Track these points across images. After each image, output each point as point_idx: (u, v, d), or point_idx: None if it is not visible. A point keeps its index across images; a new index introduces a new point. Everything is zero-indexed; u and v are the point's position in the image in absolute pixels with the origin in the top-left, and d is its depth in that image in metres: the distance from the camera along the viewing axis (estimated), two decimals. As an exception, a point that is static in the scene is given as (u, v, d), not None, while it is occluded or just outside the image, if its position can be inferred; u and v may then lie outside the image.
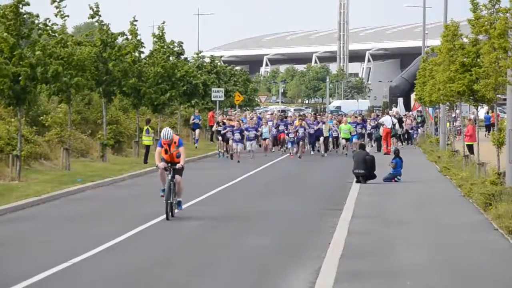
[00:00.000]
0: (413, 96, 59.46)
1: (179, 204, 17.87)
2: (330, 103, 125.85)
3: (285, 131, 39.92)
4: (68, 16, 29.35)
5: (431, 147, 40.58)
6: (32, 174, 26.21)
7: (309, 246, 14.67)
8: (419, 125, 50.05)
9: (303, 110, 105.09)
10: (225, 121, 38.81)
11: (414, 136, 47.67)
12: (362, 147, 27.88)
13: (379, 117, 44.51)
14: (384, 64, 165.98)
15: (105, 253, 13.86)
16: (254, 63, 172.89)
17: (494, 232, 15.45)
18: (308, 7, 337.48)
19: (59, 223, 17.59)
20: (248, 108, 64.95)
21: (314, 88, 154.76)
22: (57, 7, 29.07)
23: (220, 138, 38.09)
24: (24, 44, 25.80)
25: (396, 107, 64.79)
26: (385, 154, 37.85)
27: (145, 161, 32.55)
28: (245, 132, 36.73)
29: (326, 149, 40.33)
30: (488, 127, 53.13)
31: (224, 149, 37.92)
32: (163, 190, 17.60)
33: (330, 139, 41.62)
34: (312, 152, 40.29)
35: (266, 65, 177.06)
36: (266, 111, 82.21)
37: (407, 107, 66.02)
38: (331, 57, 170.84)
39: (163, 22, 40.59)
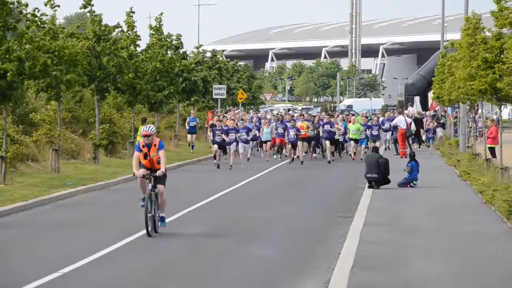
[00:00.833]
0: (430, 95, 59.42)
1: (162, 220, 16.50)
2: (340, 101, 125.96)
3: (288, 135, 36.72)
4: (58, 6, 29.42)
5: (450, 150, 40.52)
6: (19, 177, 26.22)
7: (317, 256, 14.65)
8: (438, 126, 49.40)
9: (311, 109, 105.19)
10: (215, 122, 35.49)
11: (431, 139, 46.27)
12: (375, 149, 27.77)
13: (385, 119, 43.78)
14: (400, 59, 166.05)
15: (94, 265, 13.82)
16: (259, 58, 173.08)
17: (518, 242, 15.42)
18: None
19: (46, 230, 17.57)
20: (252, 107, 64.98)
21: (324, 85, 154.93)
22: (47, -4, 29.11)
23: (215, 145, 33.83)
24: (11, 36, 25.76)
25: (412, 106, 64.76)
26: (401, 157, 37.72)
27: (141, 164, 32.51)
28: (235, 134, 33.87)
29: (337, 153, 39.16)
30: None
31: (217, 157, 33.83)
32: (144, 199, 16.35)
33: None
34: (314, 154, 39.30)
35: (272, 60, 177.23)
36: (271, 110, 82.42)
37: (424, 106, 65.95)
38: (342, 52, 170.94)
39: (161, 13, 40.67)
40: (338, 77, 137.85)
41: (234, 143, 33.97)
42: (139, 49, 37.30)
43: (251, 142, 37.89)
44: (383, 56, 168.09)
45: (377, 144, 34.94)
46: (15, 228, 18.03)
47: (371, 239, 15.62)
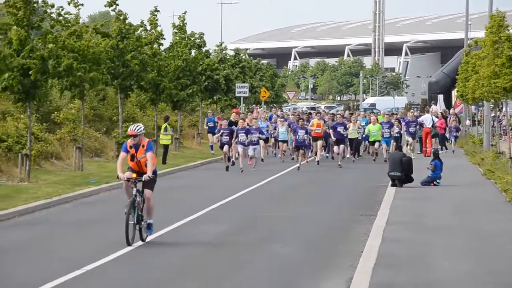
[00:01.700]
0: (454, 93, 59.13)
1: (149, 227, 15.17)
2: (363, 100, 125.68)
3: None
4: (82, 5, 29.55)
5: (474, 148, 40.30)
6: (43, 175, 26.36)
7: (340, 255, 14.62)
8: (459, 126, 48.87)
9: (334, 107, 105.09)
10: (222, 122, 34.01)
11: (452, 138, 45.18)
12: (399, 148, 27.70)
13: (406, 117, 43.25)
14: (423, 57, 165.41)
15: (116, 262, 13.85)
16: (282, 56, 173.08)
17: (543, 241, 15.29)
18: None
19: (69, 228, 17.64)
20: (275, 105, 64.99)
21: (347, 83, 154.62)
22: (70, -5, 29.28)
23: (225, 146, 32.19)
24: (34, 35, 25.90)
25: (436, 104, 64.46)
26: (425, 156, 37.45)
27: (164, 162, 32.64)
28: (246, 135, 31.23)
29: (356, 154, 37.36)
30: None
31: (231, 159, 32.83)
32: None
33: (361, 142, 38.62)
34: (326, 155, 37.71)
35: (295, 58, 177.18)
36: (295, 108, 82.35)
37: (448, 104, 65.63)
38: (365, 50, 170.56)
39: (185, 12, 40.78)
40: (361, 75, 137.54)
41: (242, 146, 31.32)
42: (162, 48, 37.42)
43: (262, 142, 34.70)
44: (406, 54, 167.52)
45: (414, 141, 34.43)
46: (38, 225, 18.11)
47: (393, 238, 15.56)
